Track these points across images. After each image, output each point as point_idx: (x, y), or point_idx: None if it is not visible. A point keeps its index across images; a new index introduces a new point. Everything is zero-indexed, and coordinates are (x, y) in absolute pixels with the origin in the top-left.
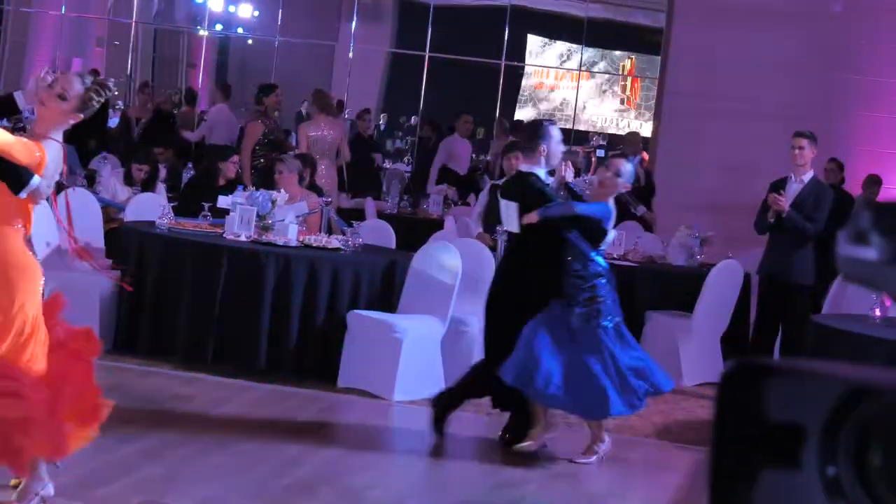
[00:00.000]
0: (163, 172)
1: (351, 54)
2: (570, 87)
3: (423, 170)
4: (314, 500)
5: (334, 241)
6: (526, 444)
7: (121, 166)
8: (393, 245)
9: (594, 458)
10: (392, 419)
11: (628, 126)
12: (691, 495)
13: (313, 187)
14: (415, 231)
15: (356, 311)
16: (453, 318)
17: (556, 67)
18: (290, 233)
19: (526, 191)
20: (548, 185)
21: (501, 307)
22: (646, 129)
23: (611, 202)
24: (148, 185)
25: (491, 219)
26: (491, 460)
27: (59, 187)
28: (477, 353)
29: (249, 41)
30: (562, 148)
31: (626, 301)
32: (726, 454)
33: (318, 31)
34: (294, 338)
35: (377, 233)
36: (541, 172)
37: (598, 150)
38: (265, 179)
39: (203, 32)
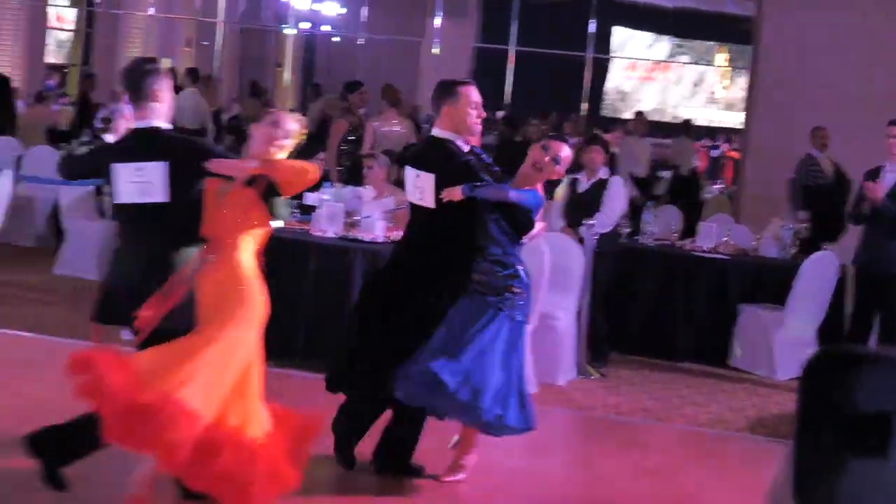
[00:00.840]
0: None
1: (435, 50)
2: (657, 79)
3: (505, 166)
4: (407, 495)
5: None
6: (456, 476)
7: None
8: None
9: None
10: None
11: (718, 119)
12: (784, 489)
13: (400, 183)
14: None
15: None
16: (541, 312)
17: (643, 59)
18: (377, 229)
19: (444, 161)
20: (469, 155)
21: (402, 294)
22: (737, 120)
23: (539, 189)
24: None
25: (572, 213)
26: (584, 454)
27: None
28: (566, 348)
29: (335, 39)
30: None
31: (718, 294)
32: (812, 444)
33: (403, 28)
34: None
35: None
36: (455, 139)
37: (711, 150)
38: (351, 176)
39: (289, 31)
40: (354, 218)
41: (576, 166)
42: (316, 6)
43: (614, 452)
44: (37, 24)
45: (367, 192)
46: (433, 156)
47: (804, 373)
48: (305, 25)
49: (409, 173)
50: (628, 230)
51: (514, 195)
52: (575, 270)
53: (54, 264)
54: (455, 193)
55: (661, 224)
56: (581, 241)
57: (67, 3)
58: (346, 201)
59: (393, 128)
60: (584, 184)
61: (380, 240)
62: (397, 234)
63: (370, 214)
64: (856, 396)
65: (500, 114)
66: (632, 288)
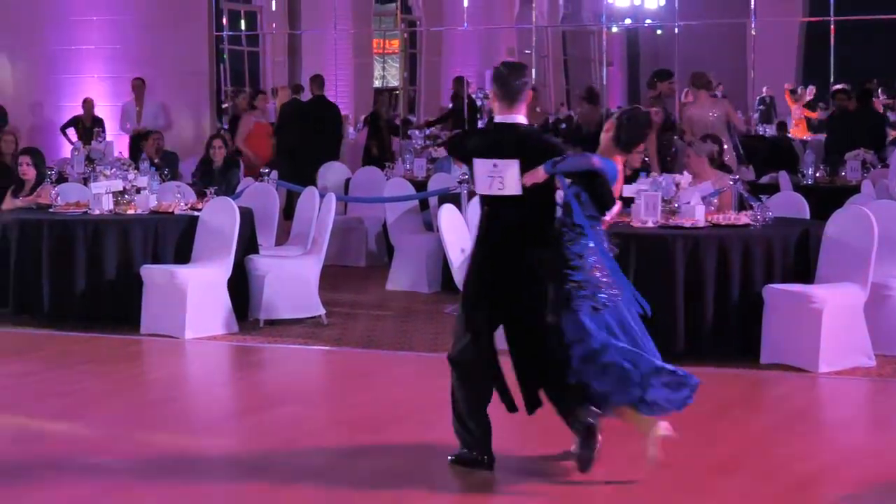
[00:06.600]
0: None
1: (752, 32)
2: None
3: (838, 138)
4: (736, 478)
5: (743, 218)
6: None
7: None
8: (807, 216)
9: None
10: (819, 391)
11: None
12: None
13: (723, 167)
14: (832, 199)
15: (771, 285)
16: (874, 282)
17: None
18: (696, 214)
19: (528, 143)
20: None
21: (521, 294)
22: None
23: (619, 162)
24: None
25: None
26: None
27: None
28: None
29: (658, 32)
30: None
31: None
32: None
33: (725, 11)
34: (710, 318)
35: (789, 205)
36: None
37: None
38: (664, 163)
39: (613, 28)
40: (673, 205)
41: None
42: (637, 1)
43: None
44: (362, 52)
45: (684, 178)
46: (513, 140)
47: None
48: (628, 21)
49: (482, 165)
50: None
51: (597, 160)
52: None
53: (386, 281)
54: (537, 175)
55: None
56: None
57: (391, 27)
58: (662, 190)
59: (704, 111)
60: None
61: (700, 224)
62: (718, 217)
63: (688, 200)
64: None
65: (837, 87)
66: None
